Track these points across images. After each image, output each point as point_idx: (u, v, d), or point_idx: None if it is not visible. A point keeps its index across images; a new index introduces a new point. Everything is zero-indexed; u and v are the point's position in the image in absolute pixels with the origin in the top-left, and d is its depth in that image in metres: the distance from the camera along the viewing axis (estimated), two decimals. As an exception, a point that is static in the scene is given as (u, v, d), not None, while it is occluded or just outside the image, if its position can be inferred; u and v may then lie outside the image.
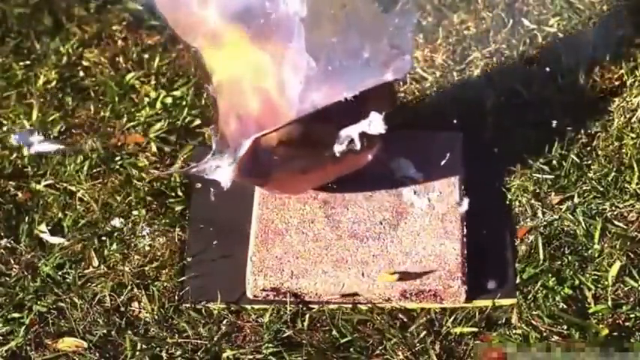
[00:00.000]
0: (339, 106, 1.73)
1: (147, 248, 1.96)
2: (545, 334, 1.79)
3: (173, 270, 1.92)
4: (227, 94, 1.83)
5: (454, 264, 1.86)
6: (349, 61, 1.76)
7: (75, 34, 2.43)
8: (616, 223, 1.95)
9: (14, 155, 2.16)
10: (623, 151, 2.07)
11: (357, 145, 1.77)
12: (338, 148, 1.78)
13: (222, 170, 1.75)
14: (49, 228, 2.01)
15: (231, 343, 1.81)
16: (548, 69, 2.24)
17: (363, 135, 1.77)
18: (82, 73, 2.35)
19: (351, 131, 1.76)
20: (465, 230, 1.91)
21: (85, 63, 2.37)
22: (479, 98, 2.19)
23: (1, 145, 2.19)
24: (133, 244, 1.97)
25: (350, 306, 1.85)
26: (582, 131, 2.11)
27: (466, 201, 1.91)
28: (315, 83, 1.74)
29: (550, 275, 1.86)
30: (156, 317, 1.85)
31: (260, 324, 1.83)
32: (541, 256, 1.89)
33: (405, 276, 1.83)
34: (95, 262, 1.95)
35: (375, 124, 1.76)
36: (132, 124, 2.20)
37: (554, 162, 2.06)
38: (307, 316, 1.84)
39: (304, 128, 1.76)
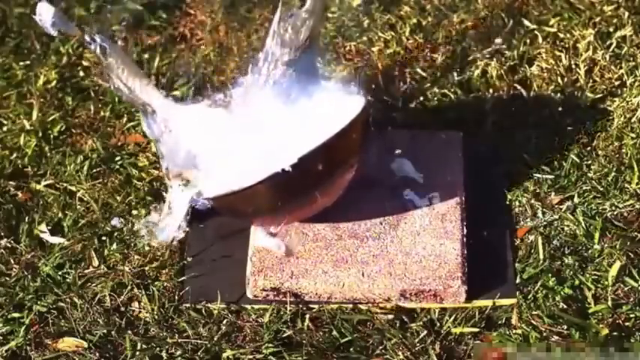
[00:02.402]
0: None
1: (147, 248, 1.96)
2: (545, 334, 1.78)
3: (173, 270, 1.92)
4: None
5: (454, 264, 1.85)
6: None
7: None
8: (616, 223, 1.95)
9: (14, 155, 2.16)
10: (623, 151, 2.07)
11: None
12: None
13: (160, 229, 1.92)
14: (49, 228, 2.01)
15: (231, 343, 1.81)
16: (547, 69, 2.25)
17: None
18: (82, 73, 2.35)
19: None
20: (465, 230, 1.91)
21: (85, 63, 2.37)
22: (479, 98, 2.19)
23: (1, 145, 2.19)
24: (133, 244, 1.97)
25: (350, 306, 1.85)
26: (582, 131, 2.11)
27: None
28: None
29: (550, 275, 1.86)
30: (156, 317, 1.85)
31: (260, 324, 1.83)
32: (541, 256, 1.89)
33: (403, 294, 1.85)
34: (95, 262, 1.95)
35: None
36: (132, 124, 2.20)
37: (554, 162, 2.06)
38: (307, 316, 1.84)
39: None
